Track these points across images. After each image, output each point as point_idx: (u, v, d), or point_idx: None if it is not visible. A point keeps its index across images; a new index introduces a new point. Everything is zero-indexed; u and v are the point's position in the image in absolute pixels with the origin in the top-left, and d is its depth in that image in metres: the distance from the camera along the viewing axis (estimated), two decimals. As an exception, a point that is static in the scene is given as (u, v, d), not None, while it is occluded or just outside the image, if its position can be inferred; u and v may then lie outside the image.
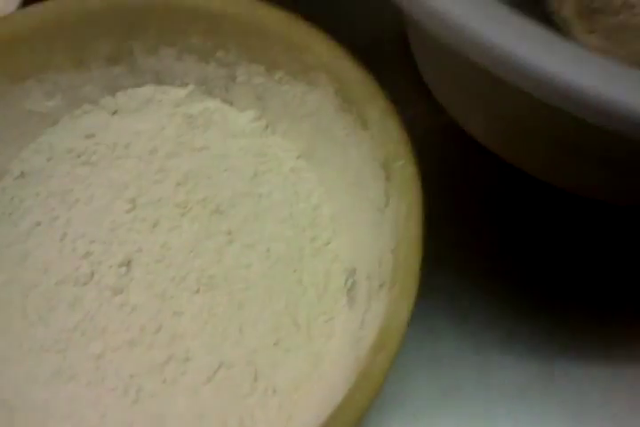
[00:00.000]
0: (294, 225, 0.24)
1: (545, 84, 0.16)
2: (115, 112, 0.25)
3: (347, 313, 0.22)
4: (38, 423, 0.21)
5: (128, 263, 0.23)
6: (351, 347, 0.20)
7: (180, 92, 0.25)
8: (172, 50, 0.24)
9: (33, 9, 0.23)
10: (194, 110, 0.25)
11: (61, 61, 0.24)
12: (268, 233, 0.24)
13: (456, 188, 0.29)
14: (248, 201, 0.24)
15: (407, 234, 0.18)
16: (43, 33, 0.23)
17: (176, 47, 0.24)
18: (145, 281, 0.23)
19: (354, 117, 0.22)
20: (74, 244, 0.23)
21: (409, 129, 0.21)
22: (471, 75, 0.22)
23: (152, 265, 0.23)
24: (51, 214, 0.24)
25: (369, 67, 0.22)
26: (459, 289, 0.27)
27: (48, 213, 0.24)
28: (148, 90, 0.25)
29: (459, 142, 0.28)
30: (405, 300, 0.17)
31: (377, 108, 0.21)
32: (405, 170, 0.19)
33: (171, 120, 0.25)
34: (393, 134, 0.20)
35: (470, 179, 0.29)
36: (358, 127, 0.22)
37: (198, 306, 0.22)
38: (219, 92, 0.25)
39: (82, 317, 0.22)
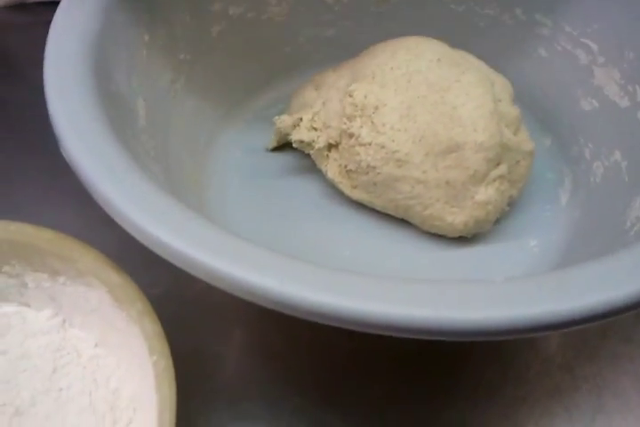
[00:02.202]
0: (94, 412, 0.26)
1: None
2: None
3: None
4: None
5: None
6: None
7: (-24, 304, 0.28)
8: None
9: None
10: (-9, 318, 0.28)
11: None
12: (69, 426, 0.26)
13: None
14: (48, 398, 0.26)
15: (160, 424, 0.21)
16: None
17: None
18: None
19: (125, 314, 0.25)
20: None
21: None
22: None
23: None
24: None
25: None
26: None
27: None
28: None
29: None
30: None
31: (134, 308, 0.24)
32: (158, 364, 0.22)
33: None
34: (149, 331, 0.23)
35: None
36: (130, 322, 0.25)
37: None
38: (14, 297, 0.28)
39: None
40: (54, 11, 0.50)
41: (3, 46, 0.48)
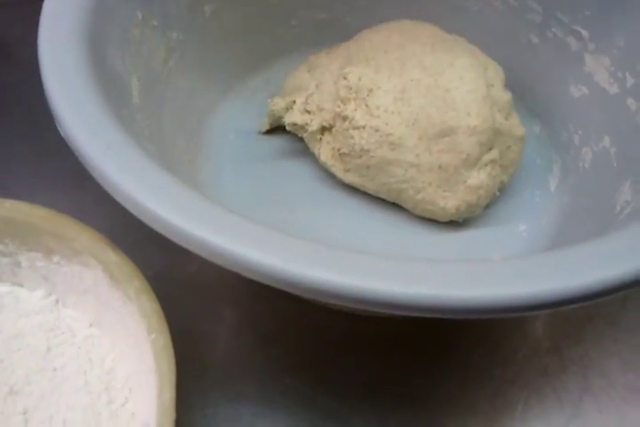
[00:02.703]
0: (90, 392, 0.26)
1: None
2: None
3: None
4: None
5: None
6: None
7: (-32, 284, 0.27)
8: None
9: None
10: (-17, 298, 0.27)
11: None
12: (64, 405, 0.26)
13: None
14: (43, 377, 0.26)
15: (160, 402, 0.21)
16: None
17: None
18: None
19: (121, 293, 0.25)
20: None
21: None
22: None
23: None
24: None
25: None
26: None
27: None
28: None
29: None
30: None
31: (132, 286, 0.24)
32: (157, 342, 0.22)
33: (-40, 311, 0.27)
34: (147, 309, 0.23)
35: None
36: (127, 300, 0.25)
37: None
38: (7, 277, 0.28)
39: None
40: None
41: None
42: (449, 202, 0.34)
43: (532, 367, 0.32)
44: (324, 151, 0.35)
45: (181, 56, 0.35)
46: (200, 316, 0.32)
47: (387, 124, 0.33)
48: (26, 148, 0.38)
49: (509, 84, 0.36)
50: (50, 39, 0.26)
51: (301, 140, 0.37)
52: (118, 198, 0.21)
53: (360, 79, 0.33)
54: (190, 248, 0.21)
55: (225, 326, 0.32)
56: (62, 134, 0.23)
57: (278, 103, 0.37)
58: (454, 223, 0.35)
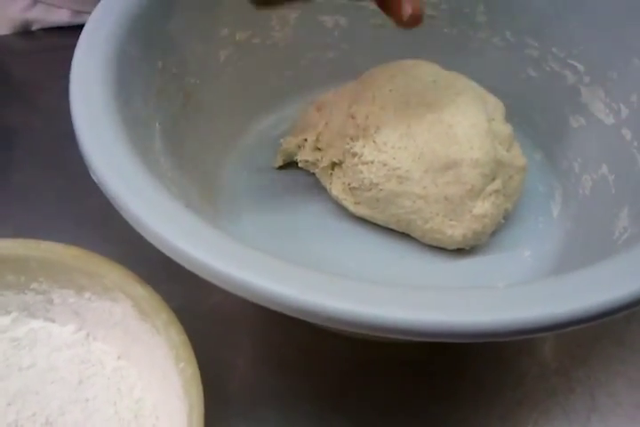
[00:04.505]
0: (120, 420, 0.27)
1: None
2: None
3: None
4: None
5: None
6: None
7: (5, 320, 0.29)
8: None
9: None
10: (19, 333, 0.29)
11: None
12: (97, 433, 0.27)
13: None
14: (76, 407, 0.28)
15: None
16: None
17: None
18: None
19: (150, 325, 0.27)
20: None
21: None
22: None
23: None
24: None
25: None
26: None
27: None
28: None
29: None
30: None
31: (160, 319, 0.25)
32: (185, 371, 0.24)
33: (-2, 346, 0.29)
34: (175, 340, 0.25)
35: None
36: (155, 333, 0.26)
37: None
38: (40, 313, 0.30)
39: None
40: (57, 36, 0.52)
41: (10, 72, 0.50)
42: (456, 231, 0.35)
43: (541, 389, 0.33)
44: (335, 186, 0.37)
45: (198, 99, 0.37)
46: (221, 346, 0.34)
47: (394, 158, 0.34)
48: (52, 190, 0.41)
49: (511, 115, 0.38)
50: (80, 90, 0.28)
51: (313, 174, 0.39)
52: (150, 239, 0.23)
53: (367, 117, 0.35)
54: (216, 283, 0.22)
55: (245, 356, 0.34)
56: (96, 181, 0.25)
57: (291, 142, 0.39)
58: (462, 251, 0.36)
